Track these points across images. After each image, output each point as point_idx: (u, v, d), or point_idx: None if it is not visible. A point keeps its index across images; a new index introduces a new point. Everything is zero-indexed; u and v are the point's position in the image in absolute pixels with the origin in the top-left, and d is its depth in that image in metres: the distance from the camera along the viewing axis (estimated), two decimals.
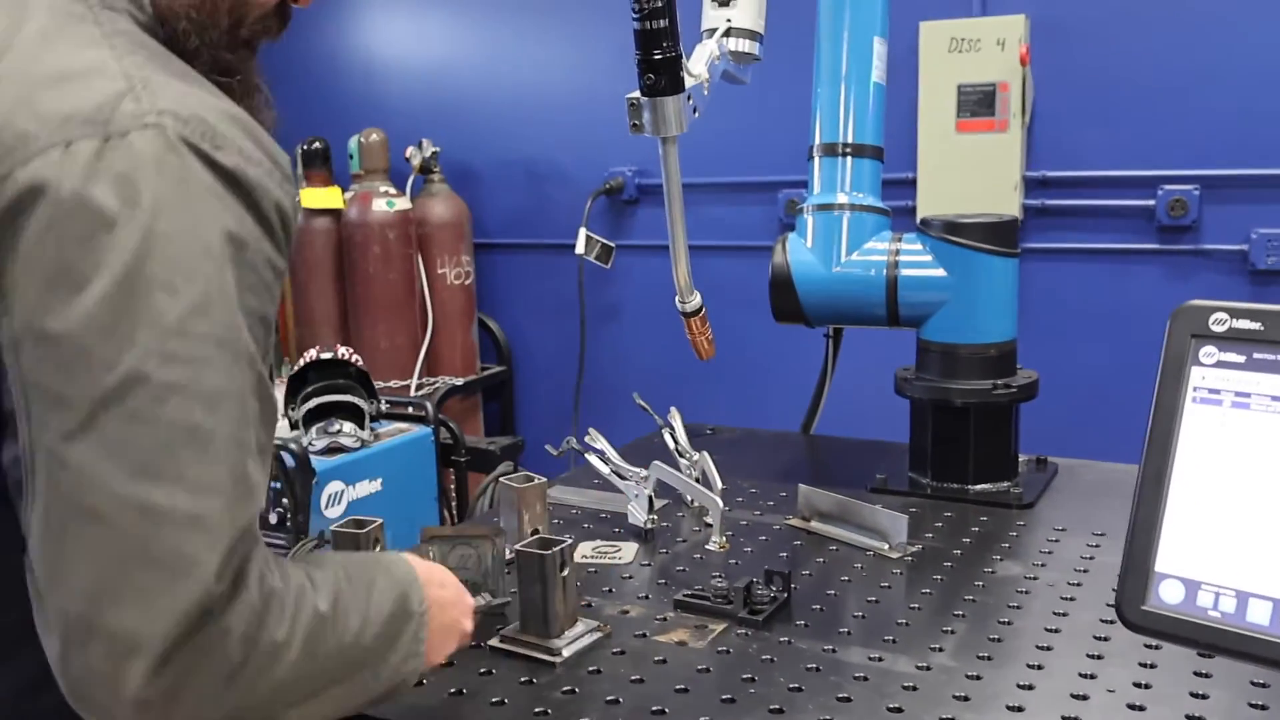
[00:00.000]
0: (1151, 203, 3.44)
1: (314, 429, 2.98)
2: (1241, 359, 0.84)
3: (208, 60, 1.03)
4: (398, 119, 4.37)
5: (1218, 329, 0.86)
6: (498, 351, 4.53)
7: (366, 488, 3.02)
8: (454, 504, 3.40)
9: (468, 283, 4.28)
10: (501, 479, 1.72)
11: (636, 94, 1.27)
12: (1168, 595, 0.85)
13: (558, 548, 1.35)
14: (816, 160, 1.98)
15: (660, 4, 1.18)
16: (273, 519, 2.86)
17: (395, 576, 1.06)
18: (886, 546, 1.66)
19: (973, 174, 3.51)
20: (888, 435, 2.22)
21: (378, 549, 1.53)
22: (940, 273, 1.87)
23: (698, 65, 1.35)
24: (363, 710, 1.03)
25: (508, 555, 1.52)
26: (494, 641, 1.38)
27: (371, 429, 3.09)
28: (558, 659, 1.33)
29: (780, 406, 2.81)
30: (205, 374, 0.84)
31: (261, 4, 1.08)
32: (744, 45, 1.46)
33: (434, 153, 4.17)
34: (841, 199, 1.95)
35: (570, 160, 4.22)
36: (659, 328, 4.11)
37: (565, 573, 1.36)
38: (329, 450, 2.94)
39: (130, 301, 0.82)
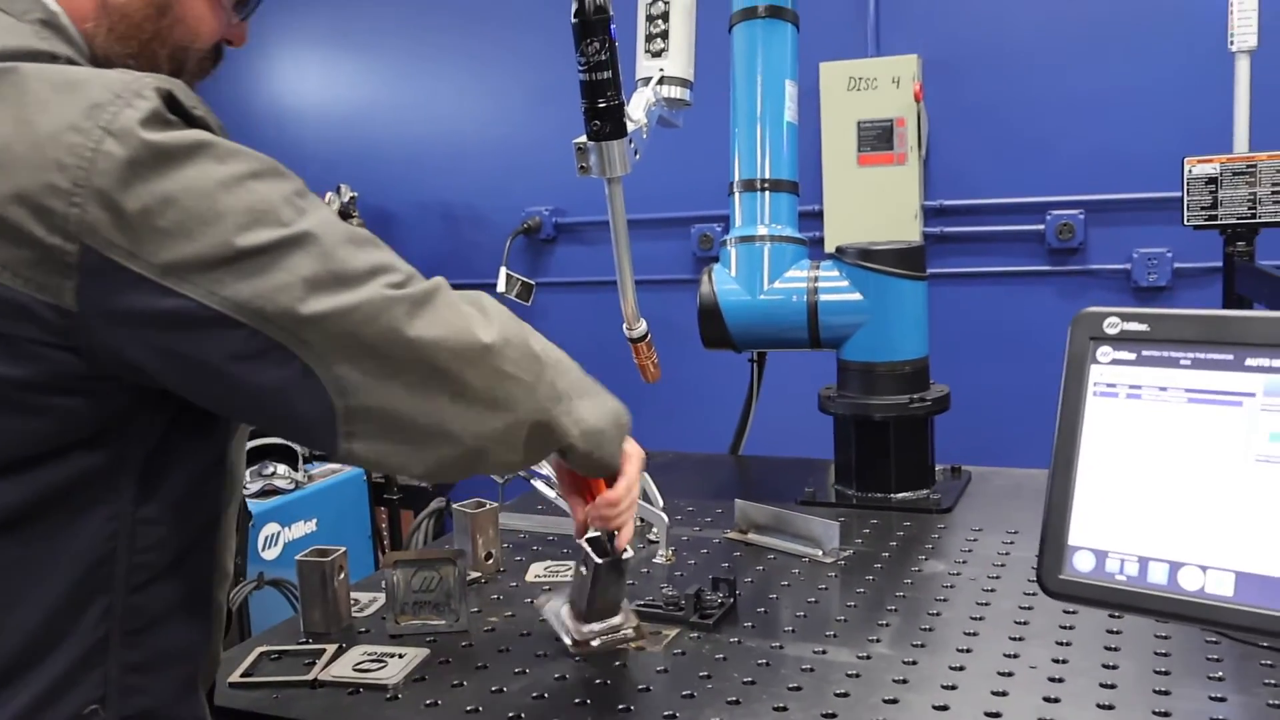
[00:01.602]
0: (1041, 227, 3.67)
1: (249, 471, 3.00)
2: (1133, 356, 0.98)
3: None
4: (314, 165, 4.42)
5: (1111, 331, 0.99)
6: None
7: (302, 528, 3.06)
8: (386, 542, 3.44)
9: None
10: (455, 505, 1.80)
11: (583, 139, 1.38)
12: (1080, 564, 0.97)
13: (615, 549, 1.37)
14: (737, 196, 2.11)
15: (604, 58, 1.29)
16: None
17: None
18: (820, 553, 1.77)
19: (875, 204, 3.70)
20: (812, 453, 2.35)
21: (341, 576, 1.59)
22: (856, 296, 2.01)
23: (637, 111, 1.47)
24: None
25: (469, 576, 1.59)
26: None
27: (305, 470, 3.12)
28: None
29: (706, 430, 2.93)
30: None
31: (199, 48, 1.13)
32: (676, 92, 1.58)
33: (352, 198, 4.22)
34: (762, 231, 2.08)
35: (488, 201, 4.31)
36: (582, 360, 4.20)
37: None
38: (264, 492, 2.97)
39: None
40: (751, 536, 1.89)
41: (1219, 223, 2.22)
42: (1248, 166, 2.17)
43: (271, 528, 2.94)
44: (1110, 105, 3.55)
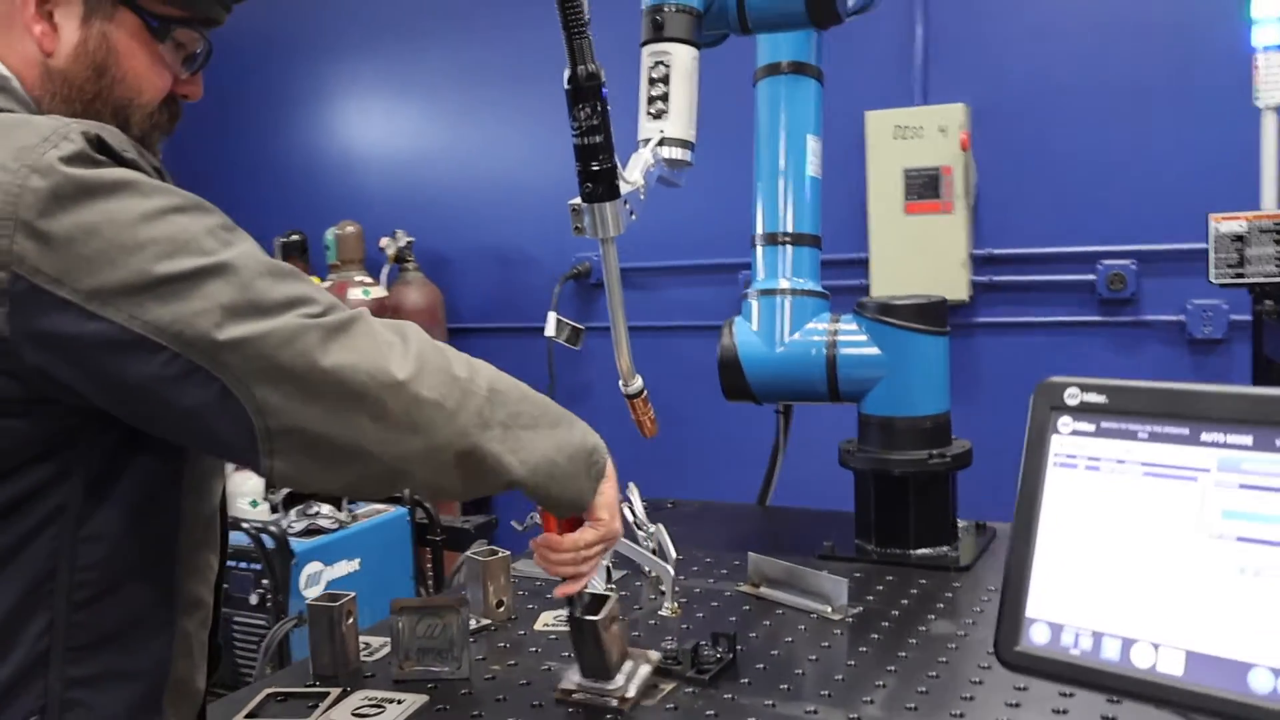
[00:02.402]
0: (1092, 277, 3.62)
1: (293, 511, 3.07)
2: (1092, 428, 0.98)
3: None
4: (373, 211, 4.54)
5: (1071, 402, 0.99)
6: None
7: (344, 567, 3.11)
8: (430, 582, 3.49)
9: None
10: (468, 553, 1.83)
11: (578, 200, 1.42)
12: (1037, 637, 0.97)
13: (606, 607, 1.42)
14: (759, 249, 2.13)
15: (596, 123, 1.33)
16: (253, 600, 2.94)
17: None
18: (829, 609, 1.77)
19: (922, 253, 3.69)
20: (843, 505, 2.34)
21: (350, 621, 1.63)
22: (875, 351, 2.01)
23: (633, 173, 1.50)
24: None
25: (473, 624, 1.62)
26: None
27: (349, 510, 3.19)
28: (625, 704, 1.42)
29: (743, 479, 2.93)
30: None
31: (144, 104, 1.19)
32: (676, 153, 1.61)
33: (408, 242, 4.32)
34: (783, 284, 2.09)
35: (539, 247, 4.39)
36: (626, 406, 4.24)
37: (614, 626, 1.44)
38: (308, 532, 3.04)
39: None
40: (763, 590, 1.89)
41: (1246, 281, 2.17)
42: (1275, 224, 2.13)
43: (314, 566, 3.00)
44: (1163, 154, 3.51)
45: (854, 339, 2.03)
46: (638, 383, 1.62)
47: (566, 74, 1.34)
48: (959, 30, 3.72)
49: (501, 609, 1.81)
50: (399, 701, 1.49)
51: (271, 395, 0.98)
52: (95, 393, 0.98)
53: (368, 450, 1.04)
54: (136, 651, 1.08)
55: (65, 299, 0.94)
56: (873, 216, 3.75)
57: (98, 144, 0.99)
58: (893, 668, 1.55)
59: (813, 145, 2.13)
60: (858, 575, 1.93)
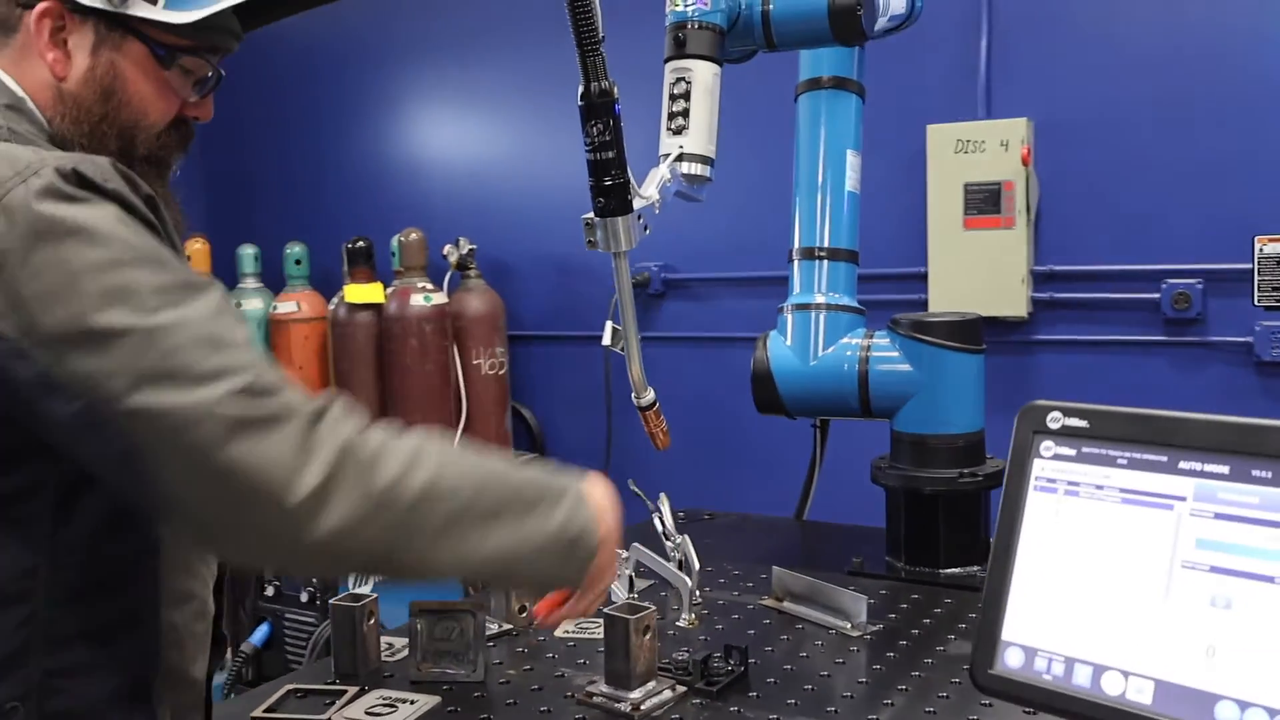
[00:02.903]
0: (1156, 295, 3.54)
1: None
2: (1073, 452, 0.97)
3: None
4: (437, 218, 4.61)
5: (1054, 426, 0.98)
6: (531, 438, 4.69)
7: None
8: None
9: (501, 373, 4.46)
10: None
11: (591, 214, 1.44)
12: (1011, 660, 0.96)
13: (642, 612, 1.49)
14: (795, 263, 2.14)
15: (609, 138, 1.36)
16: (303, 597, 3.02)
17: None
18: (849, 625, 1.76)
19: (982, 269, 3.64)
20: (880, 520, 2.33)
21: (371, 621, 1.67)
22: (907, 368, 2.00)
23: (649, 188, 1.52)
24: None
25: (489, 629, 1.65)
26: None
27: None
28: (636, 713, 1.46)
29: (791, 491, 2.93)
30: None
31: (148, 125, 1.24)
32: (696, 168, 1.63)
33: (470, 250, 4.39)
34: (819, 299, 2.09)
35: (599, 256, 4.37)
36: (682, 415, 4.24)
37: (648, 636, 1.50)
38: None
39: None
40: (786, 605, 1.89)
41: None
42: None
43: None
44: (1231, 171, 3.41)
45: (887, 355, 2.02)
46: (649, 395, 1.63)
47: (580, 90, 1.36)
48: (1023, 44, 3.66)
49: (523, 614, 1.83)
50: (411, 702, 1.52)
51: (165, 469, 0.96)
52: (30, 424, 1.01)
53: (252, 547, 1.03)
54: (119, 643, 1.12)
55: (3, 332, 0.97)
56: (932, 231, 3.70)
57: (74, 178, 1.01)
58: (904, 686, 1.54)
59: (852, 160, 2.13)
60: (883, 592, 1.92)
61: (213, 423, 0.95)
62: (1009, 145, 3.56)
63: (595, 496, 1.21)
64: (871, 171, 3.65)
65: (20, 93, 1.18)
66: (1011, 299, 3.61)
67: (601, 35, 1.33)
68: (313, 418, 0.99)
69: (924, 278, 3.75)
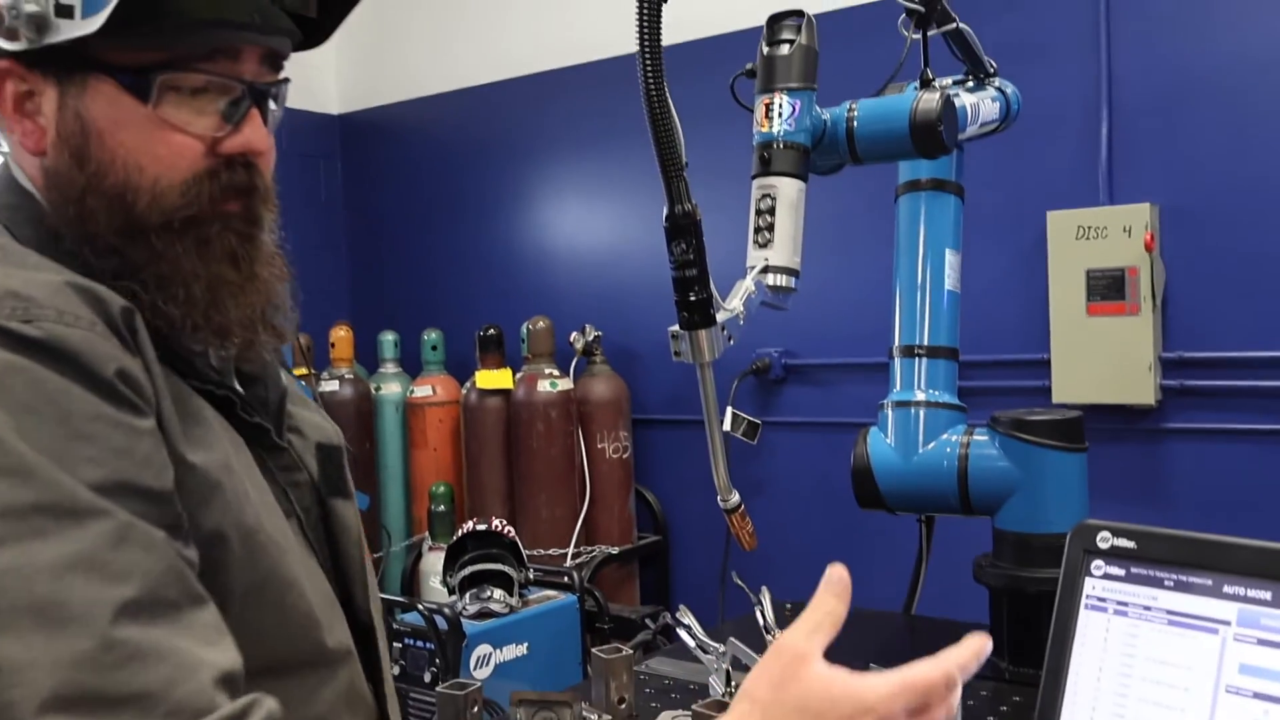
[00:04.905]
0: None
1: (468, 594, 3.26)
2: (1122, 573, 0.99)
3: (87, 263, 0.95)
4: (564, 305, 4.78)
5: (1103, 546, 1.01)
6: (654, 521, 4.75)
7: (513, 651, 3.26)
8: None
9: (625, 456, 4.56)
10: (593, 650, 1.93)
11: (676, 327, 1.52)
12: None
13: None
14: (896, 360, 2.17)
15: (692, 257, 1.44)
16: (426, 677, 3.13)
17: None
18: None
19: (1106, 355, 3.58)
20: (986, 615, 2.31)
21: (475, 709, 1.76)
22: (1007, 466, 2.00)
23: (734, 301, 1.59)
24: None
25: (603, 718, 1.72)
26: None
27: (521, 595, 3.35)
28: None
29: (906, 582, 2.91)
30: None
31: (152, 183, 0.95)
32: (781, 280, 1.69)
33: (596, 337, 4.52)
34: (919, 396, 2.12)
35: None
36: (802, 501, 4.26)
37: None
38: (480, 615, 3.21)
39: None
40: None
41: None
42: None
43: (484, 648, 3.16)
44: None
45: (986, 453, 2.03)
46: (734, 498, 1.69)
47: (664, 211, 1.45)
48: (1146, 128, 3.62)
49: (623, 705, 1.89)
50: None
51: None
52: None
53: None
54: None
55: None
56: (1054, 317, 3.66)
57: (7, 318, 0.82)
58: None
59: (951, 259, 2.17)
60: (984, 693, 1.91)
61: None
62: (1132, 231, 3.52)
63: None
64: (992, 258, 3.68)
65: (26, 184, 0.98)
66: (1138, 386, 3.54)
67: (685, 162, 1.42)
68: None
69: (1047, 364, 3.70)
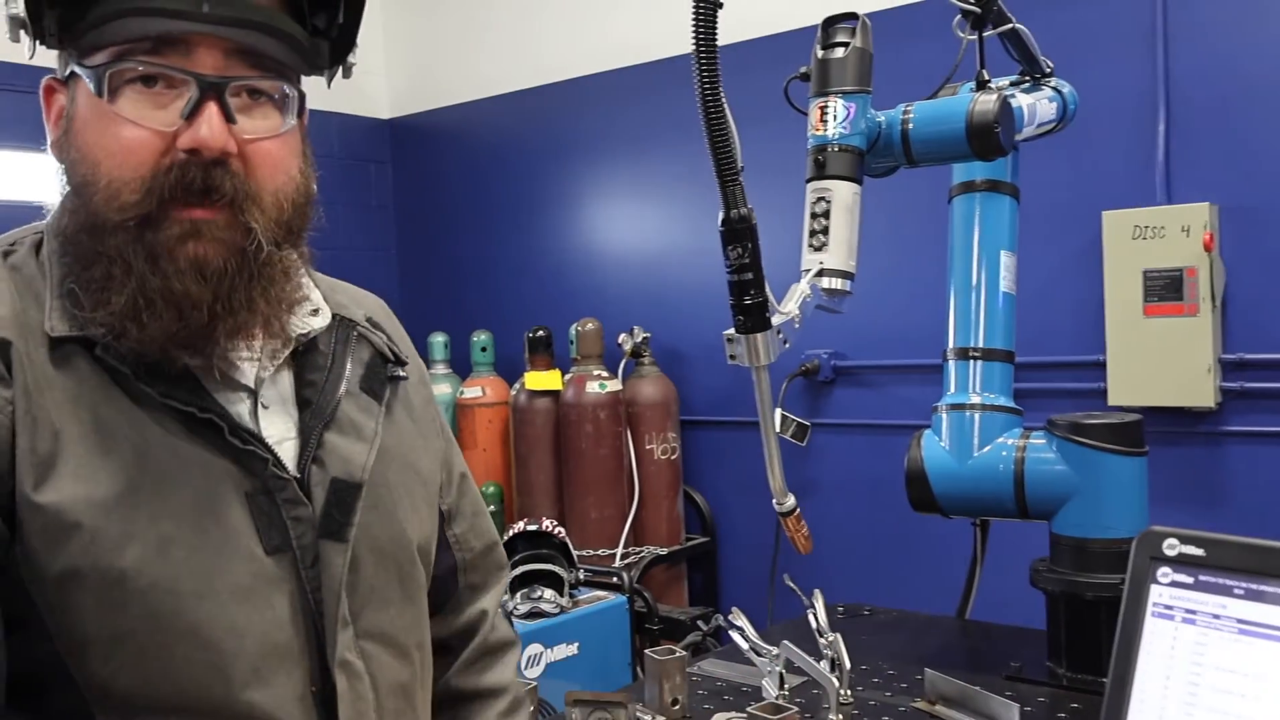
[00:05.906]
0: None
1: (518, 594, 3.28)
2: (1190, 580, 0.97)
3: (63, 274, 0.97)
4: (611, 307, 4.79)
5: (1170, 553, 0.99)
6: (702, 522, 4.75)
7: (563, 650, 3.27)
8: None
9: (674, 457, 4.56)
10: (647, 651, 1.93)
11: (732, 330, 1.52)
12: None
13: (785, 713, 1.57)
14: (951, 363, 2.15)
15: (747, 260, 1.44)
16: None
17: None
18: None
19: (1164, 357, 3.52)
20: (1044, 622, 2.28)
21: (531, 709, 1.76)
22: (1064, 469, 1.98)
23: (789, 304, 1.59)
24: None
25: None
26: None
27: (571, 596, 3.36)
28: None
29: (958, 586, 2.88)
30: None
31: (107, 183, 0.92)
32: (836, 283, 1.69)
33: (644, 338, 4.53)
34: (974, 399, 2.10)
35: None
36: (852, 503, 4.24)
37: None
38: (530, 614, 3.23)
39: None
40: (938, 709, 1.88)
41: None
42: None
43: (535, 648, 3.18)
44: None
45: (1043, 456, 2.01)
46: (790, 501, 1.68)
47: (720, 215, 1.45)
48: (1205, 127, 3.56)
49: (677, 707, 1.89)
50: None
51: None
52: None
53: None
54: None
55: None
56: (1110, 318, 3.61)
57: None
58: None
59: (1006, 261, 2.15)
60: (1042, 700, 1.89)
61: None
62: (1190, 231, 3.46)
63: None
64: (1047, 259, 3.63)
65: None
66: (1197, 388, 3.48)
67: (740, 166, 1.42)
68: None
69: (1103, 366, 3.65)
